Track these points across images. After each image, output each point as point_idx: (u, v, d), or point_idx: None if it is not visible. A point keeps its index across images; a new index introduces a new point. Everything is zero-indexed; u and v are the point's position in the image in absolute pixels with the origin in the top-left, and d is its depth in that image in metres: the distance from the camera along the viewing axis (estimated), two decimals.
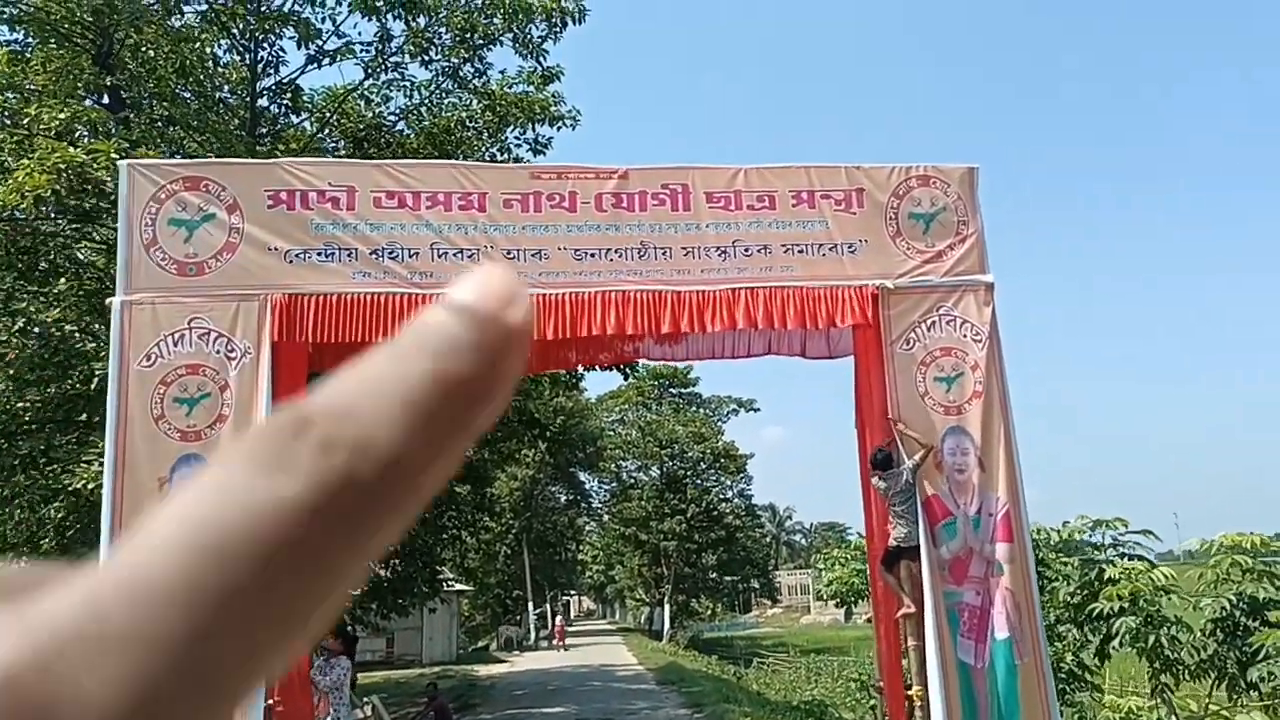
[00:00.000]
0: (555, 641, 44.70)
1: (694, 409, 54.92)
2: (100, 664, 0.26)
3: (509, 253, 7.92)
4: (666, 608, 49.86)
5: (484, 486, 21.59)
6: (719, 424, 54.96)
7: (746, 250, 8.13)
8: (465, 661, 33.78)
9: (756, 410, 58.47)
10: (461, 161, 9.89)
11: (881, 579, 8.09)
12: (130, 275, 7.56)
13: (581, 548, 62.15)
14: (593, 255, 7.99)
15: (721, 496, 53.16)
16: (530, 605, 50.68)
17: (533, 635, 47.38)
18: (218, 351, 7.53)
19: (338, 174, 7.89)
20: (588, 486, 56.96)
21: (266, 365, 7.54)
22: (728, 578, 53.72)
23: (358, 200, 7.83)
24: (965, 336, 8.16)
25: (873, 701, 12.40)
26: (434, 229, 7.86)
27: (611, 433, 53.49)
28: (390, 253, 7.79)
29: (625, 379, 21.63)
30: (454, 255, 7.86)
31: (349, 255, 7.75)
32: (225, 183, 7.70)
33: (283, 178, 7.77)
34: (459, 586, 25.69)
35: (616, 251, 8.02)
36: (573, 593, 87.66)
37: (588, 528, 61.94)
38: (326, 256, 7.73)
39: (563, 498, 56.07)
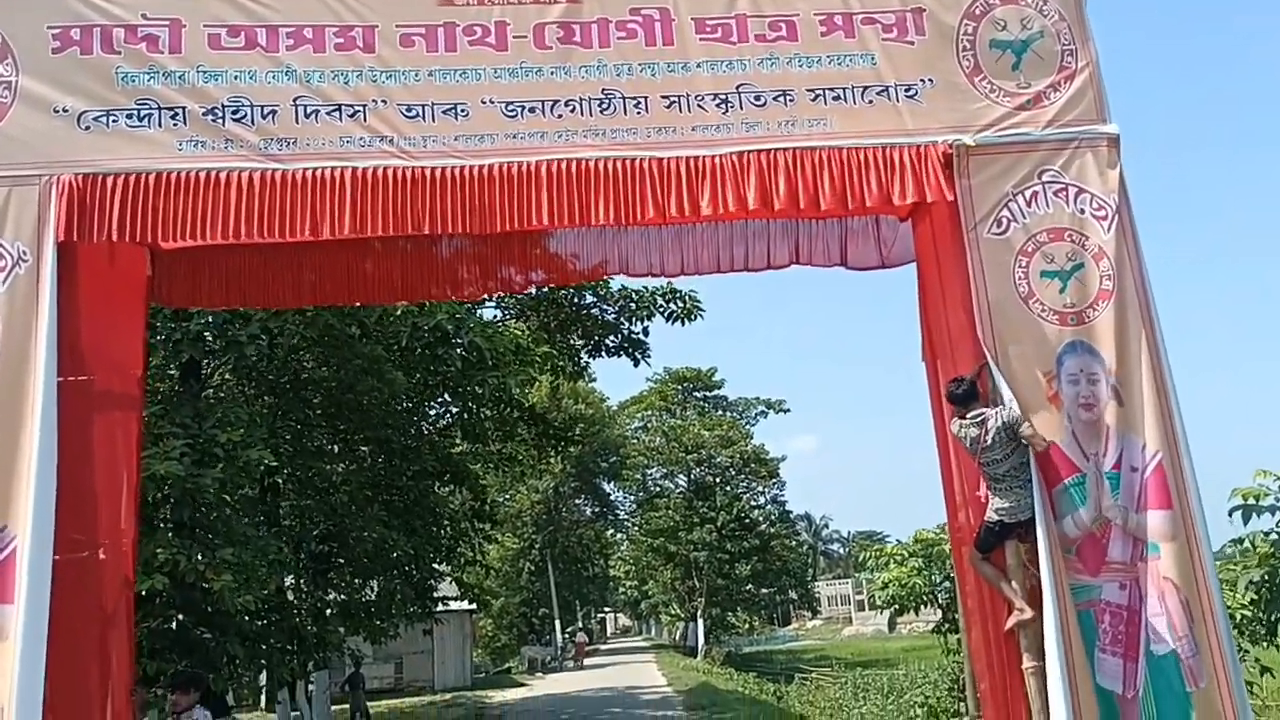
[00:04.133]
0: (575, 660, 42.24)
1: (720, 412, 52.13)
2: None
3: (409, 110, 5.46)
4: (700, 622, 47.00)
5: (481, 493, 19.10)
6: (747, 427, 52.18)
7: (757, 98, 5.62)
8: (482, 686, 31.34)
9: (786, 411, 55.53)
10: None
11: (974, 571, 5.47)
12: None
13: (612, 562, 59.45)
14: (532, 110, 5.51)
15: (753, 503, 50.19)
16: (558, 624, 48.13)
17: (561, 655, 44.78)
18: None
19: (156, 2, 5.44)
20: (613, 497, 54.32)
21: (50, 279, 5.11)
22: (764, 589, 50.65)
23: (186, 39, 5.41)
24: (1084, 212, 5.59)
25: None
26: (298, 77, 5.43)
27: (634, 440, 50.85)
28: (234, 112, 5.36)
29: (635, 364, 19.03)
30: (328, 114, 5.42)
31: (173, 117, 5.33)
32: None
33: (74, 8, 5.36)
34: (463, 605, 23.29)
35: (567, 104, 5.54)
36: (607, 609, 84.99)
37: (617, 540, 59.20)
38: (141, 120, 5.32)
39: (587, 510, 53.37)
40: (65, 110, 5.26)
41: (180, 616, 10.85)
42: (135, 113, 5.30)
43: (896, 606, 10.81)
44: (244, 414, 10.32)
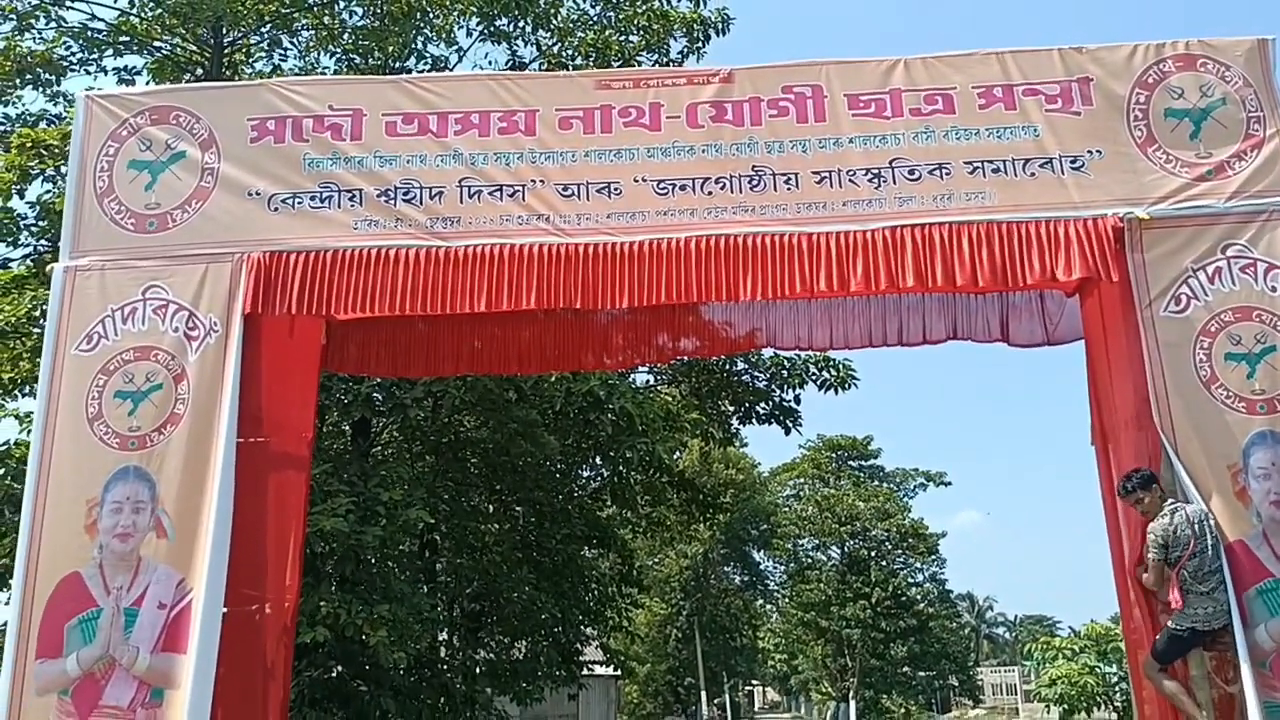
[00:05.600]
0: None
1: (876, 483, 50.49)
2: None
3: (564, 189, 5.64)
4: (852, 704, 45.16)
5: (629, 557, 19.11)
6: (905, 499, 50.28)
7: (911, 172, 5.52)
8: None
9: (947, 485, 53.19)
10: (501, 71, 7.36)
11: (1152, 684, 5.01)
12: (77, 234, 5.79)
13: (760, 634, 58.06)
14: (683, 188, 5.60)
15: (910, 580, 48.12)
16: (704, 694, 47.25)
17: None
18: (175, 329, 5.58)
19: (341, 94, 5.90)
20: (763, 566, 53.25)
21: (236, 348, 5.52)
22: (921, 672, 48.24)
23: (365, 127, 5.80)
24: (1275, 290, 5.19)
25: None
26: (464, 160, 5.71)
27: (786, 508, 49.82)
28: (405, 193, 5.68)
29: (786, 433, 18.70)
30: (490, 194, 5.67)
31: (351, 199, 5.70)
32: (200, 112, 5.85)
33: (271, 102, 5.85)
34: (603, 671, 23.21)
35: (717, 181, 5.60)
36: (755, 682, 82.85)
37: (766, 611, 57.84)
38: (322, 201, 5.71)
39: (736, 578, 52.50)
40: (258, 193, 5.72)
41: (340, 668, 11.27)
42: (318, 194, 5.70)
43: (1065, 706, 9.99)
44: (406, 473, 10.74)
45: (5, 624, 8.83)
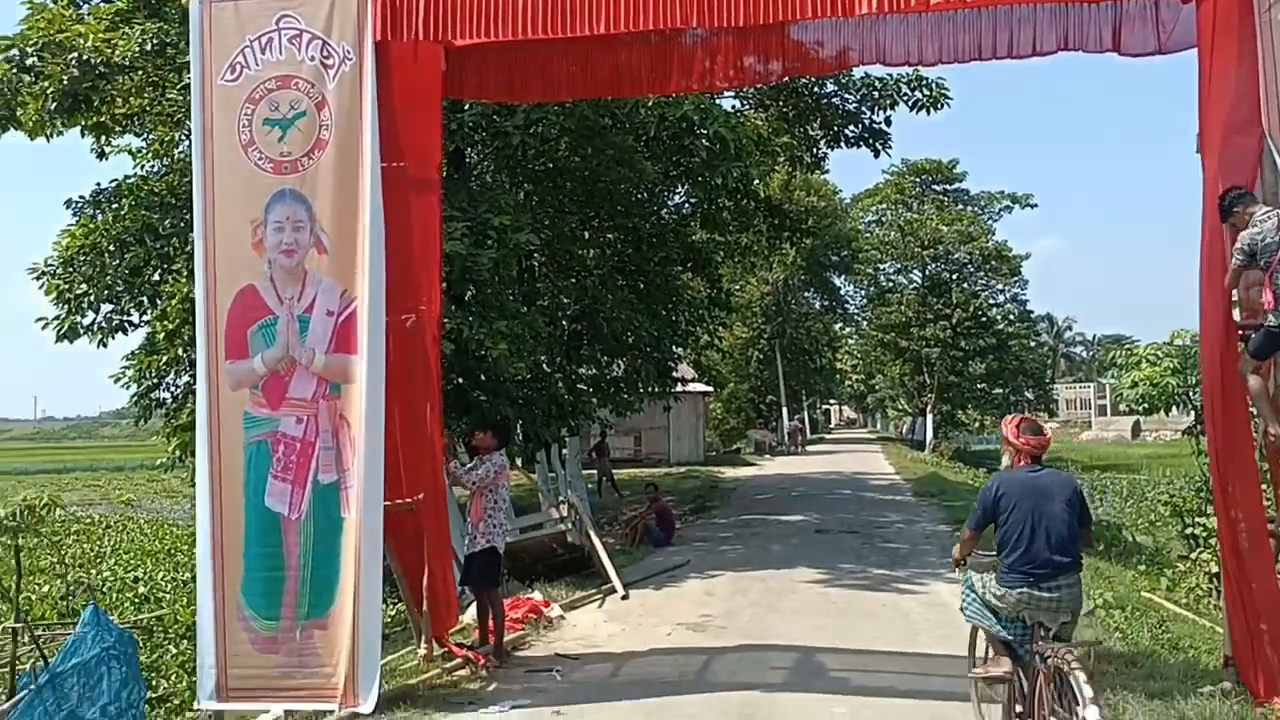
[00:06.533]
0: (790, 447, 43.40)
1: (960, 206, 49.57)
2: None
3: None
4: (929, 418, 47.02)
5: (717, 281, 19.77)
6: (989, 223, 49.49)
7: None
8: (713, 463, 33.42)
9: (1033, 206, 51.88)
10: None
11: (1241, 378, 5.38)
12: None
13: (839, 355, 59.82)
14: None
15: (991, 302, 48.41)
16: (785, 411, 49.69)
17: (789, 442, 46.45)
18: (311, 58, 5.92)
19: None
20: (842, 291, 53.97)
21: (371, 75, 5.85)
22: (997, 389, 49.63)
23: None
24: None
25: (1189, 529, 9.68)
26: None
27: (867, 234, 49.63)
28: None
29: (875, 155, 18.48)
30: None
31: None
32: None
33: None
34: (696, 387, 24.61)
35: None
36: (832, 401, 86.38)
37: (844, 334, 59.28)
38: None
39: (816, 303, 53.49)
40: None
41: (460, 380, 12.39)
42: None
43: (1145, 407, 10.51)
44: (511, 200, 11.23)
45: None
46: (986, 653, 5.07)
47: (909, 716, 5.90)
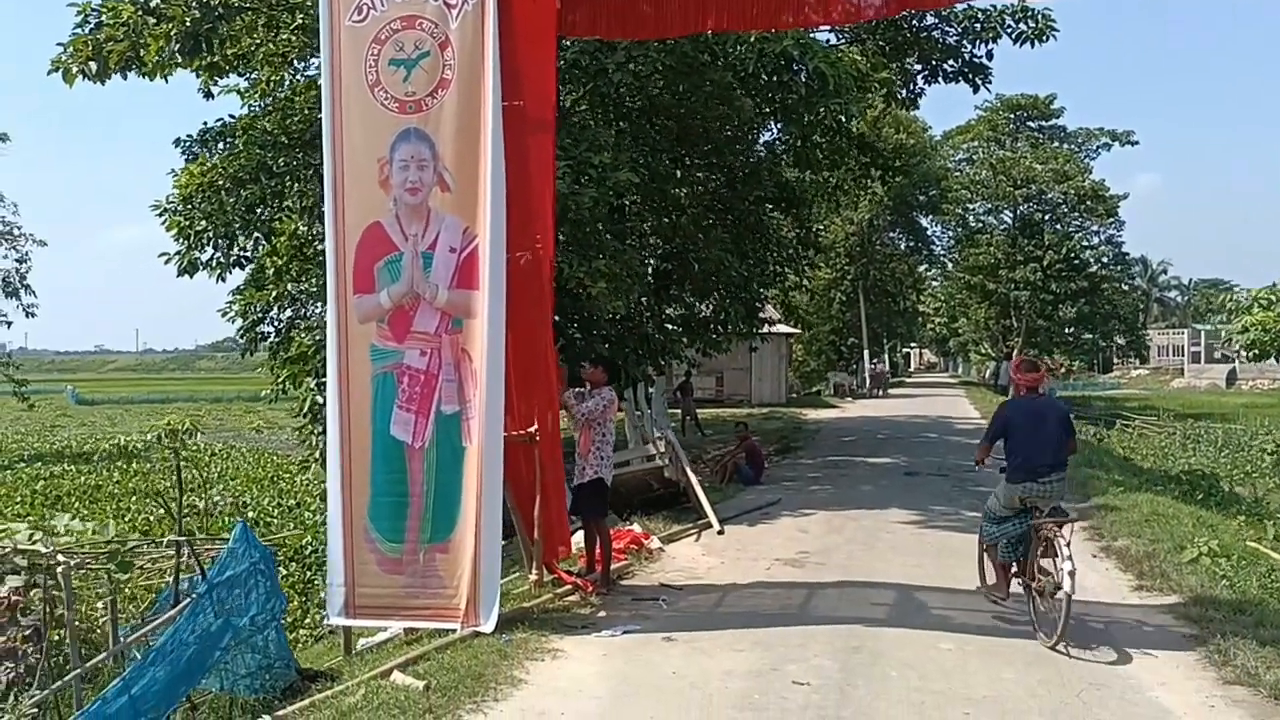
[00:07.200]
0: (871, 390, 43.03)
1: (1056, 144, 47.80)
2: None
3: None
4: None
5: (806, 221, 19.55)
6: (1086, 161, 47.65)
7: None
8: (795, 405, 33.38)
9: (1134, 144, 49.82)
10: None
11: None
12: None
13: (922, 298, 58.77)
14: None
15: (1085, 244, 46.85)
16: (866, 354, 49.22)
17: (870, 385, 46.07)
18: None
19: None
20: (929, 232, 52.76)
21: (493, 15, 5.93)
22: (1087, 334, 48.30)
23: None
24: None
25: None
26: None
27: (957, 173, 48.27)
28: None
29: (974, 90, 17.94)
30: None
31: None
32: None
33: None
34: (782, 328, 24.55)
35: None
36: (913, 344, 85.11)
37: (929, 276, 58.10)
38: None
39: (901, 244, 52.44)
40: None
41: (557, 318, 12.62)
42: None
43: (1256, 353, 10.20)
44: (609, 139, 11.25)
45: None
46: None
47: (1015, 655, 5.96)
